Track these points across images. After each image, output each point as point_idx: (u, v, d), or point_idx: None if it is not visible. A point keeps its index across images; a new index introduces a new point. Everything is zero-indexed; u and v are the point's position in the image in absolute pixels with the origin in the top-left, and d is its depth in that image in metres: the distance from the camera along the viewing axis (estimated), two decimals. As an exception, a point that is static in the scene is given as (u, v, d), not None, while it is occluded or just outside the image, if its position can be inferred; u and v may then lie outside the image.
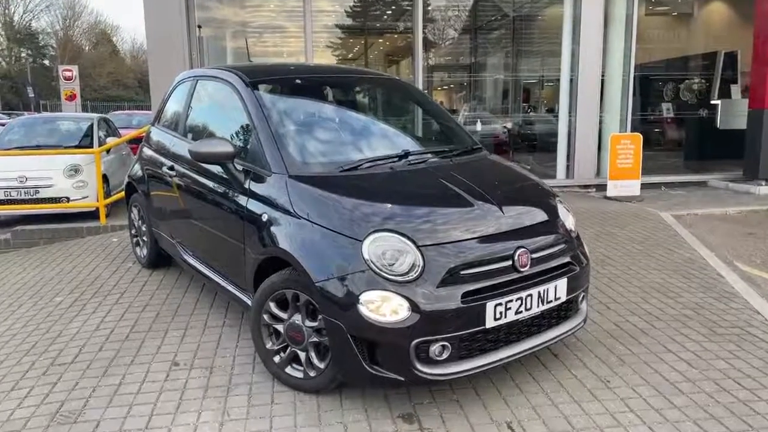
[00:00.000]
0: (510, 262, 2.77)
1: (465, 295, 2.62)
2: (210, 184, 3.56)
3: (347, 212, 2.78)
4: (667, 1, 13.76)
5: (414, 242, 2.65)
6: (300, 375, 2.94)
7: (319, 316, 2.79)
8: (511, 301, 2.71)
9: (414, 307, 2.54)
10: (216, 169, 3.46)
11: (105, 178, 7.61)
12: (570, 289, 2.99)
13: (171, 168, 4.06)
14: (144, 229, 4.79)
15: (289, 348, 2.96)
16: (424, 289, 2.57)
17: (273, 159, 3.13)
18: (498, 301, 2.67)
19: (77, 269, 5.12)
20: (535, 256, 2.86)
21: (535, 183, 3.47)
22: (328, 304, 2.65)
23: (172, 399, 2.92)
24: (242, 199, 3.22)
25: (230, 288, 3.51)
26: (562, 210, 3.25)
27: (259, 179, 3.16)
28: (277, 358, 3.02)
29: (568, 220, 3.24)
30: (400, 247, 2.63)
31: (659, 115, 12.74)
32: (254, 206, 3.13)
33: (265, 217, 3.04)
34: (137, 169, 4.74)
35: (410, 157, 3.35)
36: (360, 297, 2.57)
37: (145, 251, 4.87)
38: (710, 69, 13.26)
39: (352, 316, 2.58)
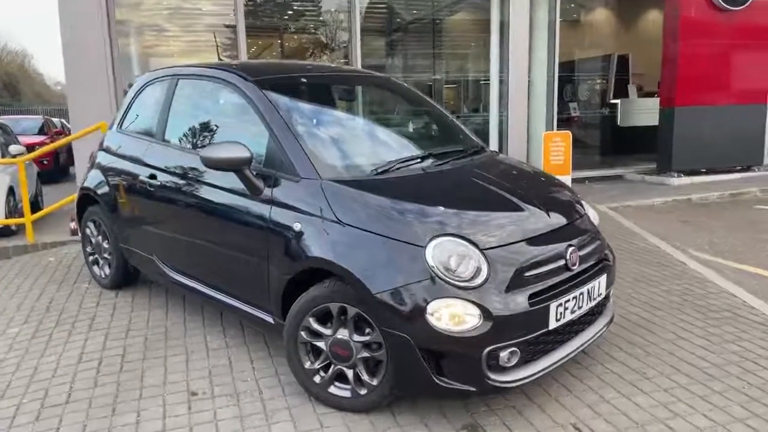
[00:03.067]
0: (563, 262, 2.75)
1: (531, 297, 2.56)
2: (212, 193, 3.25)
3: (402, 217, 2.63)
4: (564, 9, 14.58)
5: (477, 246, 2.56)
6: (347, 394, 2.75)
7: (367, 330, 2.63)
8: (568, 300, 2.69)
9: (485, 313, 2.44)
10: (220, 177, 3.15)
11: (11, 191, 6.86)
12: (608, 285, 3.03)
13: (151, 177, 3.67)
14: (106, 245, 4.32)
15: (333, 366, 2.76)
16: (493, 294, 2.48)
17: (300, 163, 2.91)
18: (558, 302, 2.64)
19: (20, 294, 4.52)
20: (581, 253, 2.86)
21: (554, 179, 3.49)
22: (390, 316, 2.49)
23: (207, 434, 2.63)
24: (263, 209, 2.96)
25: (241, 306, 3.22)
26: (585, 205, 3.29)
27: (284, 186, 2.92)
28: (317, 378, 2.81)
29: (592, 215, 3.28)
30: (464, 251, 2.53)
31: (569, 114, 13.44)
32: (281, 215, 2.89)
33: (297, 227, 2.81)
34: (96, 179, 4.26)
35: (433, 158, 3.24)
36: (428, 307, 2.43)
37: (107, 270, 4.39)
38: (606, 71, 14.23)
39: (420, 328, 2.44)
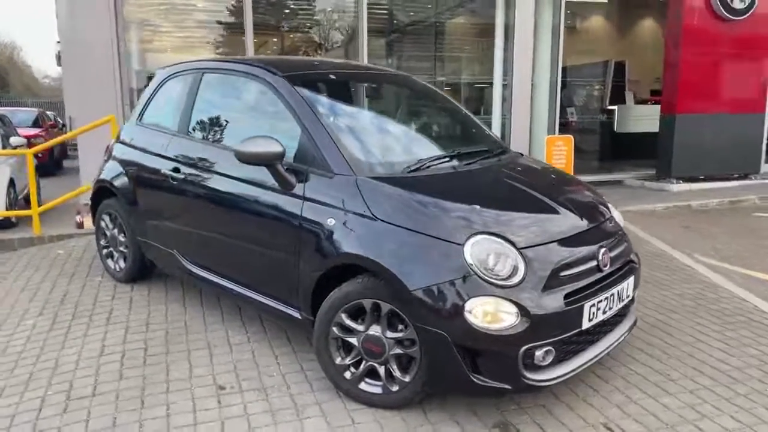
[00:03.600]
0: (595, 263, 2.77)
1: (566, 297, 2.58)
2: (241, 188, 3.24)
3: (439, 214, 2.65)
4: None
5: (513, 245, 2.57)
6: (378, 390, 2.75)
7: (400, 326, 2.64)
8: (600, 301, 2.72)
9: (523, 312, 2.46)
10: (249, 172, 3.15)
11: (12, 183, 6.80)
12: (634, 286, 3.06)
13: (175, 170, 3.65)
14: (122, 239, 4.29)
15: (364, 362, 2.77)
16: (530, 293, 2.50)
17: (334, 160, 2.91)
18: (591, 302, 2.66)
19: (31, 287, 4.48)
20: (611, 254, 2.89)
21: (579, 181, 3.51)
22: (427, 312, 2.50)
23: (240, 427, 2.62)
24: (294, 204, 2.96)
25: (268, 301, 3.21)
26: (611, 207, 3.32)
27: (317, 182, 2.92)
28: (348, 374, 2.81)
29: (618, 217, 3.31)
30: (501, 250, 2.54)
31: (566, 119, 13.53)
32: (314, 211, 2.89)
33: (331, 222, 2.81)
34: (114, 172, 4.22)
35: (461, 157, 3.26)
36: (466, 304, 2.45)
37: (121, 264, 4.36)
38: (603, 76, 14.35)
39: (458, 325, 2.45)
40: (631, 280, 2.98)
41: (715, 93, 9.49)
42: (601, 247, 2.84)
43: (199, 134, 3.67)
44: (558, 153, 8.77)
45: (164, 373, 3.10)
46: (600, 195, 3.40)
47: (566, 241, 2.74)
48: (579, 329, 2.63)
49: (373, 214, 2.71)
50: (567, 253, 2.69)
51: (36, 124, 15.17)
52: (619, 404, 2.83)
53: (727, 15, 9.23)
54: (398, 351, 2.68)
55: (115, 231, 4.33)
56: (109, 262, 4.49)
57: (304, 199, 2.94)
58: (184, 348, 3.38)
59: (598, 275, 2.78)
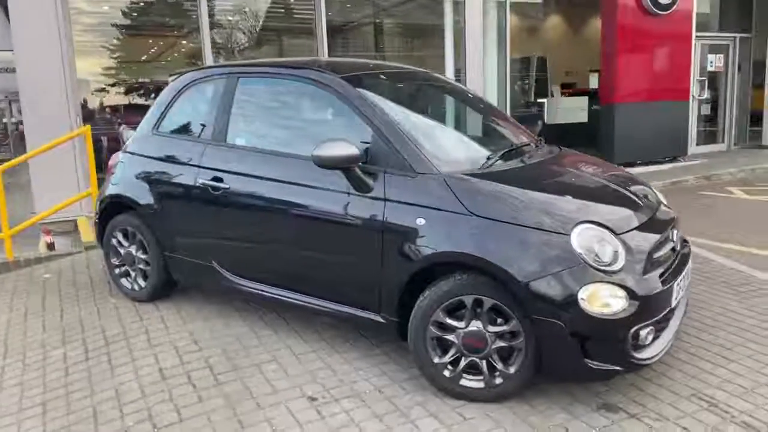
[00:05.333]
0: (671, 244, 2.94)
1: (660, 277, 2.72)
2: (306, 195, 3.15)
3: (539, 206, 2.72)
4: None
5: (613, 231, 2.68)
6: (481, 385, 2.79)
7: (499, 320, 2.69)
8: (681, 279, 2.89)
9: (631, 295, 2.57)
10: (317, 177, 3.08)
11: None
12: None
13: (215, 180, 3.49)
14: (141, 256, 4.03)
15: (464, 358, 2.79)
16: (634, 277, 2.62)
17: (414, 159, 2.91)
18: (677, 280, 2.82)
19: (34, 314, 4.13)
20: (679, 236, 3.07)
21: (623, 169, 3.69)
22: (542, 303, 2.56)
23: (357, 436, 2.57)
24: (374, 206, 2.93)
25: (341, 308, 3.16)
26: (656, 190, 3.52)
27: (399, 182, 2.91)
28: (447, 372, 2.82)
29: (663, 199, 3.51)
30: (604, 237, 2.65)
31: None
32: (398, 212, 2.87)
33: (421, 222, 2.81)
34: (131, 185, 3.96)
35: (518, 152, 3.34)
36: (579, 292, 2.53)
37: (141, 282, 4.09)
38: (528, 71, 14.99)
39: (573, 313, 2.53)
40: (691, 258, 3.18)
41: (648, 83, 10.17)
42: (673, 228, 3.01)
43: (242, 141, 3.52)
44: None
45: (245, 390, 2.97)
46: (643, 180, 3.60)
47: (647, 226, 2.89)
48: (670, 307, 2.78)
49: (469, 211, 2.73)
50: (653, 237, 2.83)
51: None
52: (696, 375, 3.01)
53: (655, 10, 9.91)
54: (501, 344, 2.72)
55: (132, 248, 4.07)
56: (124, 281, 4.21)
57: (386, 200, 2.91)
58: (250, 363, 3.25)
59: (674, 256, 2.95)
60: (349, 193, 3.00)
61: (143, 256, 4.03)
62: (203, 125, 3.69)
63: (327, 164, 2.89)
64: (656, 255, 2.77)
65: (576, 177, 3.18)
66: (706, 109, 12.31)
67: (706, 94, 11.82)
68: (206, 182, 3.53)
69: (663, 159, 10.59)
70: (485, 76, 9.80)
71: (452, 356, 2.81)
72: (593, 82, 15.82)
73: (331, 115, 3.20)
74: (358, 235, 2.99)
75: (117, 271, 4.23)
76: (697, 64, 11.14)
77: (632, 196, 3.06)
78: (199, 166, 3.60)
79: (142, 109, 4.72)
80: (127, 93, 8.66)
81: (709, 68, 12.14)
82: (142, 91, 8.82)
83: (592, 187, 3.08)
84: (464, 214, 2.74)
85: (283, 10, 9.79)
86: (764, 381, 2.94)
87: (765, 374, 3.00)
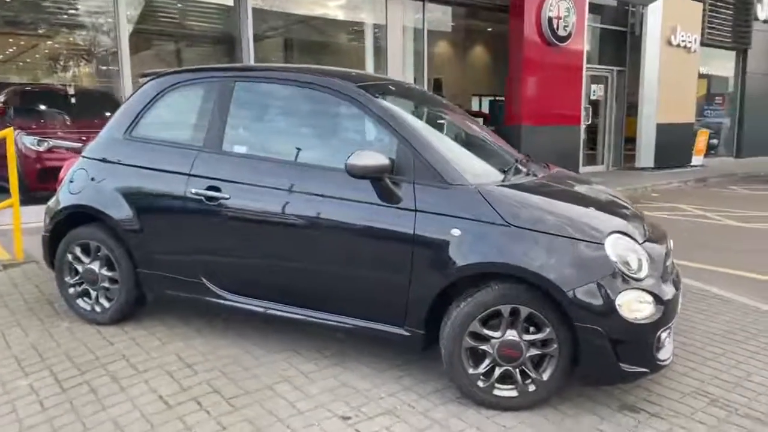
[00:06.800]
0: (671, 256, 3.18)
1: (672, 283, 2.94)
2: (323, 206, 3.03)
3: (575, 216, 2.84)
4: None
5: (636, 241, 2.86)
6: (514, 393, 2.83)
7: (531, 328, 2.77)
8: (679, 283, 3.13)
9: (658, 300, 2.75)
10: (336, 189, 2.99)
11: None
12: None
13: (211, 189, 3.25)
14: (106, 273, 3.63)
15: (498, 368, 2.82)
16: (657, 283, 2.80)
17: (445, 170, 2.91)
18: (680, 286, 3.06)
19: (-32, 343, 3.58)
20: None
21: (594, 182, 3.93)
22: (584, 311, 2.66)
23: (410, 453, 2.50)
24: (405, 218, 2.89)
25: (360, 323, 3.08)
26: None
27: (430, 193, 2.89)
28: (480, 383, 2.83)
29: None
30: (632, 246, 2.81)
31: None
32: (431, 223, 2.86)
33: (456, 233, 2.81)
34: (98, 194, 3.56)
35: (519, 168, 3.45)
36: (617, 299, 2.66)
37: (105, 303, 3.67)
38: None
39: (612, 319, 2.66)
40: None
41: (547, 107, 10.96)
42: (669, 240, 3.26)
43: (242, 149, 3.32)
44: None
45: (268, 414, 2.78)
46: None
47: (652, 237, 3.10)
48: (677, 311, 3.00)
49: (506, 221, 2.78)
50: (662, 248, 3.05)
51: None
52: (686, 373, 3.27)
53: (554, 41, 10.73)
54: (534, 352, 2.79)
55: (94, 265, 3.66)
56: (80, 302, 3.75)
57: (416, 211, 2.88)
58: (260, 384, 3.05)
59: (673, 265, 3.20)
60: (375, 204, 2.94)
61: (108, 274, 3.64)
62: (193, 131, 3.43)
63: (360, 174, 2.82)
64: (667, 263, 2.99)
65: (585, 191, 3.35)
66: (590, 134, 13.48)
67: (590, 120, 12.92)
68: (199, 192, 3.28)
69: (558, 178, 11.40)
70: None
71: (486, 366, 2.82)
72: (475, 105, 16.85)
73: (347, 124, 3.13)
74: (386, 246, 2.93)
75: (72, 290, 3.77)
76: (584, 93, 12.18)
77: (633, 210, 3.27)
78: (189, 175, 3.34)
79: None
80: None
81: (592, 97, 13.32)
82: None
83: (603, 201, 3.26)
84: (501, 224, 2.78)
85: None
86: (743, 375, 3.26)
87: (743, 369, 3.33)
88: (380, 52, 9.69)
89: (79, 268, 3.72)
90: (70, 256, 3.72)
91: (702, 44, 14.99)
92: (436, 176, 2.90)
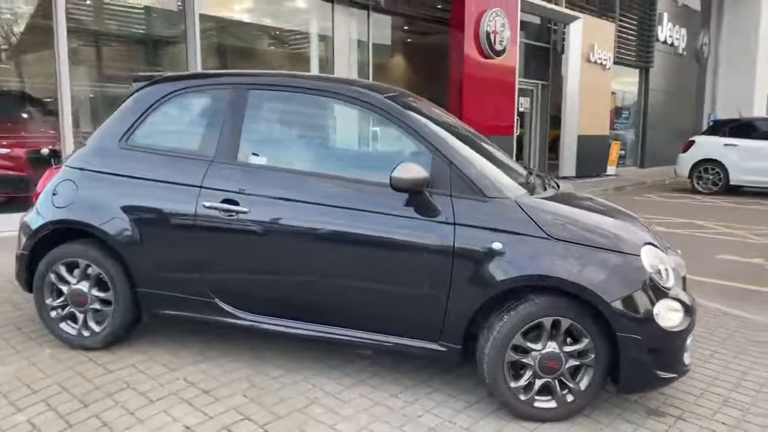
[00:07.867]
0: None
1: (687, 291, 3.09)
2: (363, 221, 2.94)
3: (610, 229, 2.92)
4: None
5: (662, 251, 2.98)
6: (553, 405, 2.87)
7: (569, 339, 2.82)
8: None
9: (686, 308, 2.88)
10: (374, 202, 2.92)
11: None
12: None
13: (228, 202, 3.07)
14: (97, 293, 3.32)
15: (538, 380, 2.84)
16: (681, 292, 2.93)
17: (483, 183, 2.91)
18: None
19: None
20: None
21: None
22: (625, 321, 2.74)
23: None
24: (443, 231, 2.86)
25: (393, 339, 3.00)
26: None
27: (469, 206, 2.88)
28: (522, 396, 2.84)
29: None
30: (660, 257, 2.93)
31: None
32: (470, 236, 2.84)
33: (498, 246, 2.81)
34: (91, 208, 3.25)
35: (541, 179, 3.51)
36: (654, 308, 2.76)
37: (94, 327, 3.35)
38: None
39: (651, 328, 2.76)
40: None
41: (485, 118, 11.26)
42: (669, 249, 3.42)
43: (260, 160, 3.14)
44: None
45: (313, 441, 2.65)
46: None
47: (666, 247, 3.25)
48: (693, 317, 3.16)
49: (547, 233, 2.81)
50: (676, 257, 3.19)
51: None
52: (693, 370, 3.45)
53: (492, 54, 11.08)
54: (573, 363, 2.83)
55: (83, 285, 3.34)
56: (64, 326, 3.41)
57: (455, 224, 2.86)
58: (291, 408, 2.90)
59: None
60: (412, 218, 2.88)
61: (100, 294, 3.34)
62: (202, 140, 3.22)
63: (405, 187, 2.76)
64: (682, 273, 3.14)
65: (600, 203, 3.44)
66: (517, 144, 13.99)
67: (518, 131, 13.42)
68: (214, 205, 3.08)
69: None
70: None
71: (528, 379, 2.83)
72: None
73: (375, 135, 3.05)
74: (423, 261, 2.88)
75: (54, 313, 3.42)
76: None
77: (641, 221, 3.41)
78: (200, 187, 3.13)
79: None
80: None
81: (520, 108, 13.84)
82: None
83: (615, 214, 3.36)
84: (542, 237, 2.81)
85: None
86: (738, 376, 3.47)
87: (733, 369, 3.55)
88: (324, 60, 9.62)
89: (64, 289, 3.38)
90: (53, 276, 3.38)
91: (613, 62, 15.99)
92: (474, 189, 2.89)
